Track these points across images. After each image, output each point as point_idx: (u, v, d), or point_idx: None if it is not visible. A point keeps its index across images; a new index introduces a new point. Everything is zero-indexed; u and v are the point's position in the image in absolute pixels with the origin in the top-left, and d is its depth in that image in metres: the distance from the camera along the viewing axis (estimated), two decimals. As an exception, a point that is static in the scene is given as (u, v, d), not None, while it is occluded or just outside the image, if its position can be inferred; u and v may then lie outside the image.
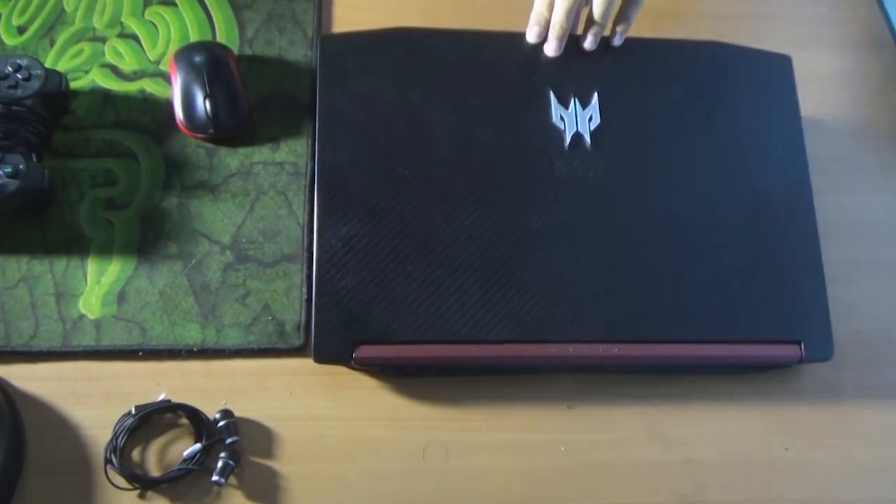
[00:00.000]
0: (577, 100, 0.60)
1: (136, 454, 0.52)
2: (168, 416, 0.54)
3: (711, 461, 0.55)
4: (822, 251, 0.58)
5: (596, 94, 0.60)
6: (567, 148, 0.58)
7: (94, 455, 0.52)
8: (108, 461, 0.51)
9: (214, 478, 0.51)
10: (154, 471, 0.52)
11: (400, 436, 0.54)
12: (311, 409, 0.55)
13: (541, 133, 0.59)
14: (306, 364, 0.56)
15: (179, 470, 0.51)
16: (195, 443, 0.52)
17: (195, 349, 0.56)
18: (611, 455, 0.55)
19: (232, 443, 0.52)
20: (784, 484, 0.55)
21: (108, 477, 0.51)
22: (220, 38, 0.68)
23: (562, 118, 0.59)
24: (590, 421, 0.56)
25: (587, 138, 0.59)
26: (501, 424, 0.55)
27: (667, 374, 0.58)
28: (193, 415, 0.53)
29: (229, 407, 0.54)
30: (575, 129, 0.59)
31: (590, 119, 0.60)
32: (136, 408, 0.52)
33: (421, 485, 0.53)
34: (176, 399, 0.54)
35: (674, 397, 0.57)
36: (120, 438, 0.51)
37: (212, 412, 0.53)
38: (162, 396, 0.54)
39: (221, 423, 0.53)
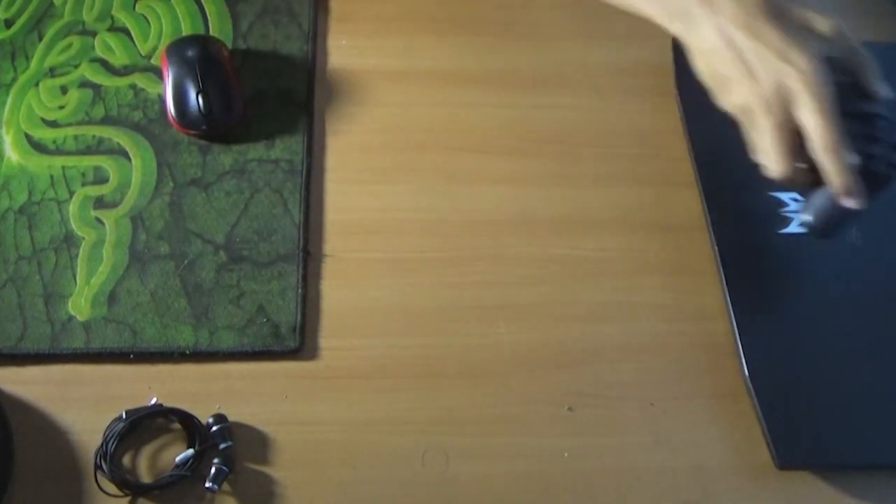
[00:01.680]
0: None
1: (126, 460, 0.52)
2: (160, 420, 0.53)
3: (721, 467, 0.55)
4: None
5: None
6: None
7: (84, 461, 0.52)
8: (97, 467, 0.51)
9: (208, 484, 0.51)
10: (145, 477, 0.52)
11: (398, 441, 0.54)
12: (307, 413, 0.54)
13: None
14: (302, 367, 0.56)
15: (171, 476, 0.51)
16: (188, 448, 0.52)
17: (188, 352, 0.55)
18: (615, 460, 0.55)
19: (225, 448, 0.52)
20: (797, 491, 0.55)
21: (97, 483, 0.50)
22: (213, 32, 0.68)
23: None
24: (593, 425, 0.56)
25: None
26: (502, 429, 0.55)
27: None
28: (186, 419, 0.53)
29: (223, 411, 0.53)
30: None
31: None
32: (127, 412, 0.52)
33: (420, 491, 0.53)
34: (168, 403, 0.53)
35: (681, 400, 0.57)
36: (110, 444, 0.51)
37: (205, 417, 0.53)
38: (153, 400, 0.53)
39: (215, 428, 0.52)
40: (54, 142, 0.62)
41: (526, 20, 0.72)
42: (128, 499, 0.51)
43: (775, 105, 0.49)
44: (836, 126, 0.48)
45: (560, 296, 0.60)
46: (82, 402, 0.53)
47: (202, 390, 0.54)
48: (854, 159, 0.48)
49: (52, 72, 0.65)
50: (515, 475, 0.54)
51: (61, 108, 0.63)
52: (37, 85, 0.64)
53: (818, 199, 0.52)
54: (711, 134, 0.65)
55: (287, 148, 0.63)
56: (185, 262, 0.58)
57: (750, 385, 0.56)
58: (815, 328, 0.58)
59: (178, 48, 0.63)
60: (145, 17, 0.68)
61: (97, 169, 0.61)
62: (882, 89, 0.51)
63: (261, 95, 0.65)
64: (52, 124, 0.63)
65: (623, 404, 0.56)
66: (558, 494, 0.53)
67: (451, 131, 0.66)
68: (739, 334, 0.57)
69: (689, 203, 0.64)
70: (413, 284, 0.59)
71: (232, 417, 0.53)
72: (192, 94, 0.61)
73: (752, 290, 0.59)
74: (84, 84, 0.65)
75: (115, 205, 0.60)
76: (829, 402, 0.56)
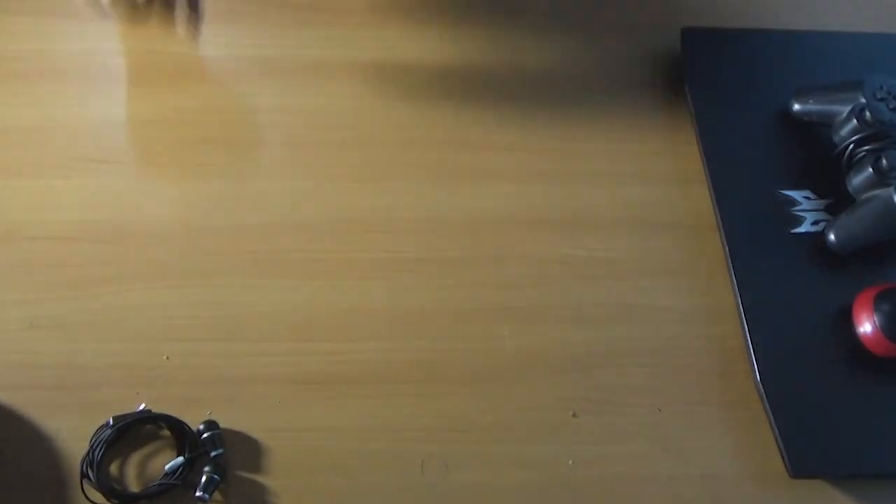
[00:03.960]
0: None
1: (114, 468, 0.52)
2: (148, 427, 0.53)
3: (731, 475, 0.55)
4: None
5: None
6: None
7: (69, 469, 0.51)
8: (84, 475, 0.50)
9: (198, 493, 0.51)
10: (133, 486, 0.51)
11: (396, 449, 0.54)
12: (301, 419, 0.54)
13: None
14: (296, 371, 0.56)
15: (160, 485, 0.51)
16: (177, 456, 0.52)
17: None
18: (622, 469, 0.54)
19: (216, 456, 0.52)
20: (810, 500, 0.55)
21: (84, 492, 0.50)
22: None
23: None
24: (599, 431, 0.55)
25: None
26: (504, 436, 0.55)
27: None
28: (176, 426, 0.52)
29: (214, 417, 0.53)
30: None
31: None
32: (115, 418, 0.52)
33: (419, 501, 0.52)
34: (157, 409, 0.53)
35: (690, 405, 0.57)
36: (97, 451, 0.51)
37: (195, 423, 0.53)
38: (142, 406, 0.53)
39: (205, 435, 0.52)
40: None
41: (528, 11, 0.72)
42: (115, 508, 0.51)
43: None
44: None
45: (564, 298, 0.60)
46: (68, 408, 0.53)
47: (192, 396, 0.54)
48: None
49: None
50: (518, 484, 0.53)
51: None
52: None
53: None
54: (722, 129, 0.65)
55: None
56: (175, 262, 0.58)
57: (761, 390, 0.56)
58: (828, 331, 0.58)
59: None
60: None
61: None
62: None
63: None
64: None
65: (630, 410, 0.56)
66: (563, 504, 0.53)
67: (450, 126, 0.66)
68: (751, 337, 0.57)
69: (698, 201, 0.64)
70: (411, 286, 0.59)
71: (223, 424, 0.53)
72: None
73: (764, 291, 0.59)
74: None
75: (101, 203, 0.60)
76: (844, 408, 0.56)
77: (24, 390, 0.54)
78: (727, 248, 0.61)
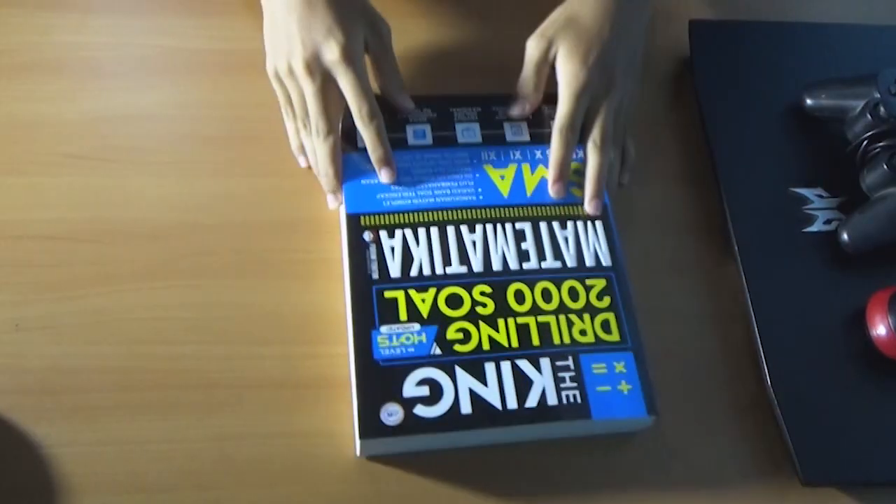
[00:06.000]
0: None
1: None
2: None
3: (741, 483, 0.55)
4: None
5: None
6: None
7: (57, 477, 0.51)
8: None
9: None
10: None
11: (395, 455, 0.54)
12: (297, 423, 0.54)
13: None
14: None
15: (151, 493, 0.50)
16: (169, 463, 0.51)
17: (169, 359, 0.55)
18: (627, 476, 0.54)
19: (210, 463, 0.52)
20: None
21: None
22: None
23: None
24: (604, 437, 0.55)
25: None
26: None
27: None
28: (167, 432, 0.52)
29: (208, 421, 0.53)
30: None
31: None
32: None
33: (418, 509, 0.52)
34: (146, 413, 0.52)
35: (699, 410, 0.56)
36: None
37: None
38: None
39: (199, 441, 0.52)
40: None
41: (528, 3, 0.72)
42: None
43: (316, 71, 0.56)
44: (367, 99, 0.57)
45: (568, 299, 0.59)
46: (55, 413, 0.53)
47: (185, 399, 0.54)
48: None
49: None
50: (523, 490, 0.53)
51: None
52: None
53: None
54: (731, 125, 0.65)
55: (275, 139, 0.63)
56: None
57: (772, 395, 0.55)
58: (841, 333, 0.58)
59: None
60: None
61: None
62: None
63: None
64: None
65: (636, 415, 0.56)
66: (567, 512, 0.53)
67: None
68: (761, 340, 0.57)
69: (707, 199, 0.64)
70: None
71: (218, 428, 0.53)
72: None
73: (775, 292, 0.59)
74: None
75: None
76: (856, 413, 0.55)
77: (9, 395, 0.53)
78: (736, 248, 0.60)
